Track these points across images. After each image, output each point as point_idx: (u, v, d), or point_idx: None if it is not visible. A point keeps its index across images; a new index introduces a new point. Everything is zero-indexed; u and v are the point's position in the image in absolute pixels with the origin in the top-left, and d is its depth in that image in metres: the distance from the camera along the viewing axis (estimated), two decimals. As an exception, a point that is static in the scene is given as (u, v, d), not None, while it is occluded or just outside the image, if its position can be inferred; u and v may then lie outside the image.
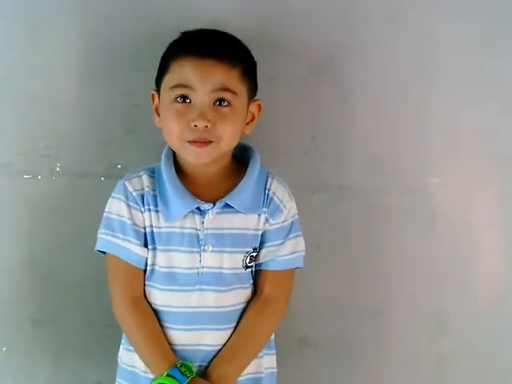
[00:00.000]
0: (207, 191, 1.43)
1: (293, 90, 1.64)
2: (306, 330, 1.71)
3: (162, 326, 1.42)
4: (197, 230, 1.41)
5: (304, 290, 1.64)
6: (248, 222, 1.44)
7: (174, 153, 1.46)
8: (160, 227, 1.42)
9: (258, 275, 1.48)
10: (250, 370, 1.45)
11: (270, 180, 1.47)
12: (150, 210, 1.42)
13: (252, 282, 1.48)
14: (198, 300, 1.41)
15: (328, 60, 1.64)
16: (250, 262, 1.45)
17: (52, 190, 1.64)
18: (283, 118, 1.64)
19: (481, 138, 1.67)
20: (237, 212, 1.42)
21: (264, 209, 1.45)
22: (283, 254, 1.46)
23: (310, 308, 1.70)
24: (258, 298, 1.47)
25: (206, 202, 1.41)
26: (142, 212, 1.42)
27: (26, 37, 1.60)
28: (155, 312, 1.43)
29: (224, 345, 1.43)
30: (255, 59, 1.47)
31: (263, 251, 1.46)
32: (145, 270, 1.43)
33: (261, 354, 1.47)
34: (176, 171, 1.43)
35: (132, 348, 1.44)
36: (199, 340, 1.42)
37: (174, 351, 1.41)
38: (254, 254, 1.45)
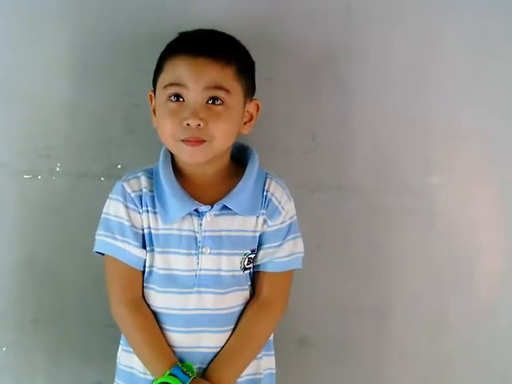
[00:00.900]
0: (205, 193, 1.43)
1: (292, 90, 1.64)
2: (306, 330, 1.71)
3: (161, 328, 1.42)
4: (195, 232, 1.41)
5: (304, 290, 1.64)
6: (246, 224, 1.43)
7: (171, 154, 1.45)
8: (158, 229, 1.41)
9: (255, 277, 1.48)
10: (249, 371, 1.45)
11: (268, 181, 1.47)
12: (147, 211, 1.42)
13: (250, 283, 1.47)
14: (196, 302, 1.41)
15: (328, 60, 1.64)
16: (248, 264, 1.45)
17: (52, 190, 1.64)
18: (283, 118, 1.64)
19: (481, 138, 1.67)
20: (235, 214, 1.42)
21: (262, 210, 1.45)
22: (281, 256, 1.46)
23: (310, 308, 1.70)
24: (255, 299, 1.46)
25: (204, 203, 1.41)
26: (140, 213, 1.42)
27: (25, 37, 1.60)
28: (154, 314, 1.43)
29: (223, 347, 1.43)
30: (254, 59, 1.47)
31: (261, 253, 1.46)
32: (143, 272, 1.43)
33: (260, 355, 1.47)
34: (174, 172, 1.43)
35: (130, 349, 1.44)
36: (198, 342, 1.42)
37: (174, 353, 1.41)
38: (252, 256, 1.45)
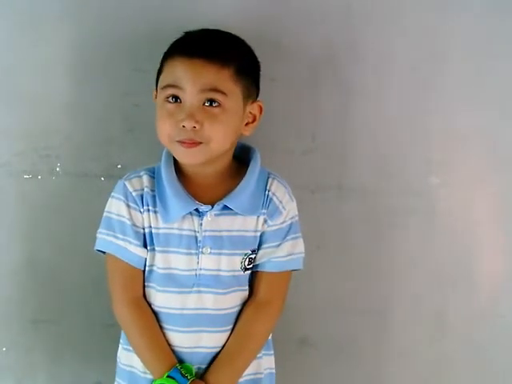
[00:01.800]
0: (206, 192, 1.43)
1: (293, 90, 1.64)
2: (306, 329, 1.71)
3: (161, 328, 1.42)
4: (195, 231, 1.41)
5: (304, 290, 1.64)
6: (247, 224, 1.43)
7: (173, 153, 1.46)
8: (158, 228, 1.41)
9: (253, 276, 1.47)
10: (250, 370, 1.45)
11: (270, 181, 1.47)
12: (148, 210, 1.42)
13: (248, 283, 1.47)
14: (195, 302, 1.41)
15: (328, 60, 1.64)
16: (248, 265, 1.45)
17: (52, 190, 1.64)
18: (283, 118, 1.64)
19: (481, 138, 1.67)
20: (236, 214, 1.42)
21: (263, 210, 1.44)
22: (279, 256, 1.46)
23: (310, 308, 1.70)
24: (252, 300, 1.46)
25: (205, 203, 1.41)
26: (141, 212, 1.42)
27: (25, 37, 1.60)
28: (155, 313, 1.43)
29: (222, 347, 1.43)
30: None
31: (260, 252, 1.45)
32: (144, 271, 1.43)
33: (260, 355, 1.47)
34: (176, 172, 1.43)
35: (130, 348, 1.44)
36: (197, 342, 1.42)
37: (174, 353, 1.41)
38: (253, 256, 1.45)
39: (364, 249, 1.70)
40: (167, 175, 1.42)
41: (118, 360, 1.49)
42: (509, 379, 1.75)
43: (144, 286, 1.44)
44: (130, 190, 1.42)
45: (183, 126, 1.35)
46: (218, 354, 1.42)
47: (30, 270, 1.65)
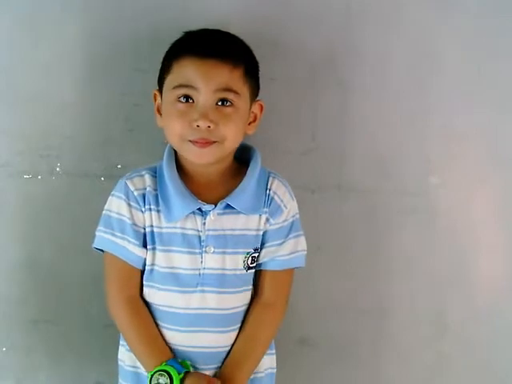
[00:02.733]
0: (208, 192, 1.43)
1: (293, 90, 1.64)
2: (306, 329, 1.71)
3: (162, 327, 1.42)
4: (198, 231, 1.41)
5: (304, 290, 1.64)
6: (249, 223, 1.44)
7: (175, 152, 1.45)
8: (161, 227, 1.41)
9: (256, 276, 1.48)
10: (250, 370, 1.46)
11: (271, 180, 1.47)
12: (150, 209, 1.42)
13: (252, 283, 1.48)
14: (199, 301, 1.41)
15: (328, 60, 1.64)
16: (251, 263, 1.45)
17: (52, 190, 1.63)
18: (283, 117, 1.65)
19: (481, 138, 1.68)
20: (238, 213, 1.42)
21: (265, 209, 1.45)
22: (282, 254, 1.46)
23: (310, 308, 1.70)
24: (257, 301, 1.47)
25: (208, 202, 1.41)
26: (142, 212, 1.42)
27: (26, 37, 1.60)
28: (155, 312, 1.43)
29: (224, 347, 1.43)
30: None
31: (263, 251, 1.46)
32: (143, 270, 1.43)
33: (261, 355, 1.48)
34: (177, 171, 1.43)
35: (131, 348, 1.44)
36: (200, 342, 1.42)
37: (174, 352, 1.41)
38: (256, 255, 1.45)
39: (364, 249, 1.70)
40: (169, 174, 1.42)
41: (120, 362, 1.48)
42: (509, 379, 1.75)
43: (143, 286, 1.44)
44: (132, 189, 1.42)
45: (197, 126, 1.36)
46: (218, 354, 1.43)
47: (30, 270, 1.65)
